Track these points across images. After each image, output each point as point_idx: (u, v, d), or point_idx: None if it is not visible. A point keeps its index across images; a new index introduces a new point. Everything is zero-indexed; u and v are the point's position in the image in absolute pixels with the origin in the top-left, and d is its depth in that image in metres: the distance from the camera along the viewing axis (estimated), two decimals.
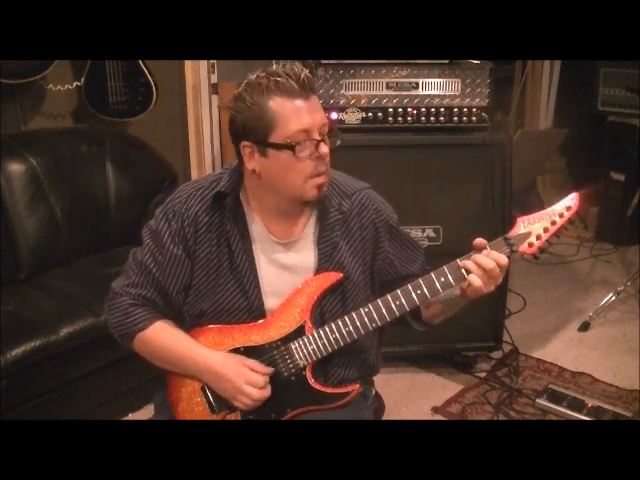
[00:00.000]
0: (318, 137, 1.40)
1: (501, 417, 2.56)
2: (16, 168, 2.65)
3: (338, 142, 1.45)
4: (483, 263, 1.41)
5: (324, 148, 1.41)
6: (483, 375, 2.84)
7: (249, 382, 1.46)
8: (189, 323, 1.56)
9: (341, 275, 1.52)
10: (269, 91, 1.38)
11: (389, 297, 1.47)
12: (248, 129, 1.41)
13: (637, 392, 2.70)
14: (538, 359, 2.97)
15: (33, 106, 2.98)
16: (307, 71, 1.41)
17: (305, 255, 1.54)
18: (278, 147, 1.40)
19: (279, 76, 1.38)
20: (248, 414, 1.51)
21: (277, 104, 1.38)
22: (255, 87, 1.39)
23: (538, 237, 1.44)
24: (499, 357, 2.93)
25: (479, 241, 1.44)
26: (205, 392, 1.52)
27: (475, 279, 1.41)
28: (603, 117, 4.12)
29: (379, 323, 1.47)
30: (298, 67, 1.41)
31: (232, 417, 1.51)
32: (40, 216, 2.67)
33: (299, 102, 1.38)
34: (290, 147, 1.39)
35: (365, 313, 1.47)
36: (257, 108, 1.39)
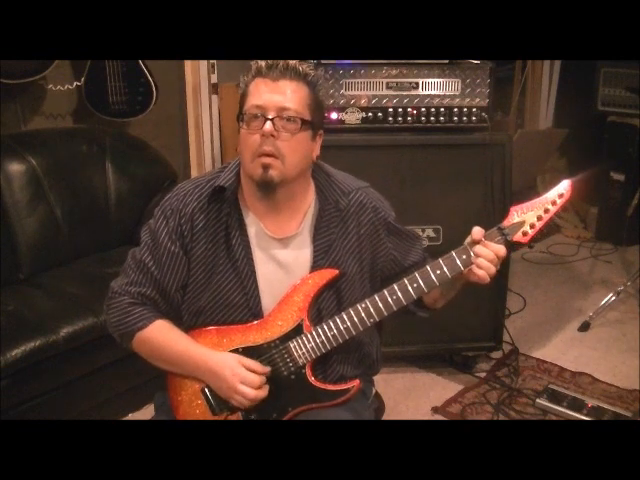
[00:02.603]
0: (270, 116, 1.42)
1: (501, 417, 2.56)
2: (16, 168, 2.65)
3: (295, 130, 1.43)
4: (483, 254, 1.42)
5: (267, 126, 1.41)
6: (483, 375, 2.84)
7: (244, 382, 1.46)
8: (187, 322, 1.56)
9: (337, 272, 1.53)
10: (252, 73, 1.47)
11: (386, 292, 1.47)
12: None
13: (637, 392, 2.70)
14: (538, 359, 2.97)
15: (33, 106, 2.98)
16: (295, 62, 1.44)
17: (301, 252, 1.54)
18: (238, 119, 1.47)
19: (264, 61, 1.45)
20: (249, 414, 1.51)
21: (252, 83, 1.47)
22: (247, 70, 1.49)
23: (532, 226, 1.46)
24: (499, 357, 2.93)
25: (476, 231, 1.44)
26: (205, 394, 1.52)
27: (479, 270, 1.43)
28: (603, 117, 4.12)
29: (377, 318, 1.48)
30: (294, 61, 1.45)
31: (233, 418, 1.51)
32: (40, 216, 2.67)
33: (265, 80, 1.44)
34: (242, 119, 1.45)
35: (363, 309, 1.48)
36: (243, 88, 1.49)
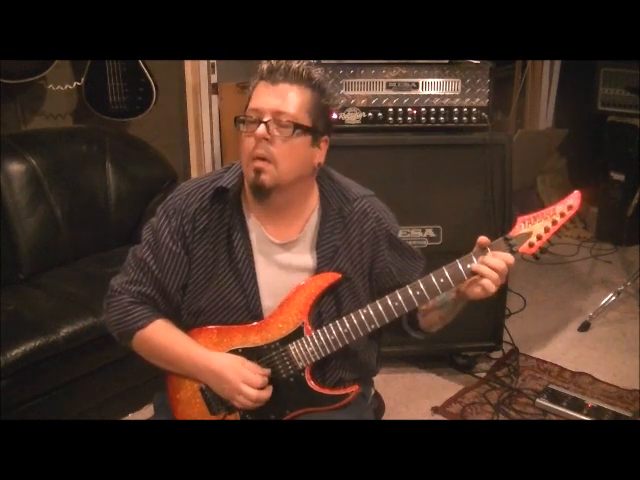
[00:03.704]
0: (265, 119, 1.41)
1: (501, 417, 2.56)
2: (16, 168, 2.65)
3: (288, 134, 1.41)
4: (493, 264, 1.40)
5: (260, 129, 1.40)
6: (483, 375, 2.84)
7: (247, 382, 1.46)
8: (186, 322, 1.56)
9: (339, 276, 1.52)
10: (257, 76, 1.46)
11: (388, 298, 1.46)
12: None
13: (637, 392, 2.70)
14: (538, 359, 2.97)
15: (33, 106, 2.98)
16: (299, 65, 1.42)
17: (304, 258, 1.54)
18: (235, 122, 1.46)
19: (269, 63, 1.43)
20: (247, 415, 1.51)
21: (256, 87, 1.45)
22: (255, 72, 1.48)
23: (539, 237, 1.43)
24: (499, 357, 2.93)
25: (483, 239, 1.43)
26: (204, 393, 1.52)
27: (489, 283, 1.41)
28: (603, 117, 4.12)
29: (378, 324, 1.47)
30: (297, 62, 1.43)
31: (231, 418, 1.51)
32: (40, 216, 2.67)
33: (265, 84, 1.43)
34: (240, 121, 1.44)
35: (364, 314, 1.47)
36: (249, 91, 1.48)
